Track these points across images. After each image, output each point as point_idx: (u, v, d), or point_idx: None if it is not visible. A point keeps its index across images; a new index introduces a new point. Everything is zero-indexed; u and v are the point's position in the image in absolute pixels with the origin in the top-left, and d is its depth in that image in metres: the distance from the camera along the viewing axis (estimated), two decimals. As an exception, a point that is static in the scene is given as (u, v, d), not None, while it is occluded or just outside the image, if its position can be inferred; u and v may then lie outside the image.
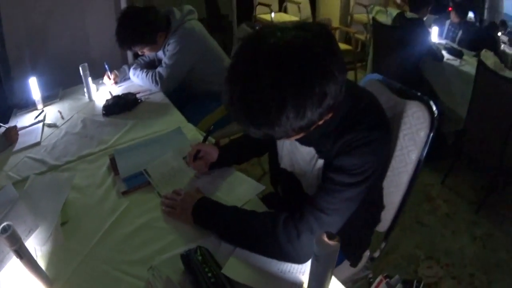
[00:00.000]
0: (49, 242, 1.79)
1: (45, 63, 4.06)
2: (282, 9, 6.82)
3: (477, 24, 6.11)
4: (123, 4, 4.25)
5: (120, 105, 2.85)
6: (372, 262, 2.16)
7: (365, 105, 1.44)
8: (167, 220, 1.78)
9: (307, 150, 1.58)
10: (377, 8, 6.19)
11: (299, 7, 6.33)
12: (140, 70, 3.19)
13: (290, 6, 6.73)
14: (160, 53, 3.22)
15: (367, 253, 2.11)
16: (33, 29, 4.02)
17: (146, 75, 3.10)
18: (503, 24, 5.91)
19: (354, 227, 1.55)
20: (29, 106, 3.39)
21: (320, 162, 1.54)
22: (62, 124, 2.96)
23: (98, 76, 3.55)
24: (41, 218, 1.90)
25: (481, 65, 3.50)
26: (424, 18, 4.79)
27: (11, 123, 3.17)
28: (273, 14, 6.10)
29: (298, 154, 1.65)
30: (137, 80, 3.24)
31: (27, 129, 3.01)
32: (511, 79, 3.15)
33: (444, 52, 4.74)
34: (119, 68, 3.55)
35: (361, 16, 6.48)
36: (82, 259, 1.68)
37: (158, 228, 1.75)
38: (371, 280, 2.08)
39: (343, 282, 1.41)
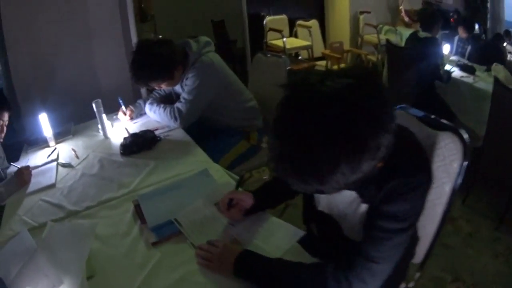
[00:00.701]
0: (76, 300, 1.63)
1: (54, 98, 3.93)
2: (292, 34, 6.71)
3: (483, 36, 6.04)
4: (133, 36, 4.09)
5: (138, 144, 2.72)
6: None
7: (406, 145, 1.39)
8: (205, 273, 1.63)
9: (348, 193, 1.49)
10: (386, 27, 6.18)
11: (309, 31, 6.23)
12: (157, 105, 3.07)
13: (300, 30, 6.66)
14: (177, 87, 3.09)
15: (402, 286, 2.03)
16: (40, 62, 3.92)
17: (164, 111, 2.98)
18: (508, 34, 5.90)
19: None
20: (40, 142, 3.26)
21: (363, 206, 1.47)
22: (78, 164, 2.83)
23: (110, 110, 3.42)
24: (64, 272, 1.73)
25: (496, 82, 3.43)
26: (437, 36, 4.72)
27: (22, 161, 3.07)
28: (285, 39, 5.98)
29: (337, 197, 1.58)
30: (154, 116, 3.12)
31: (40, 168, 2.87)
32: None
33: (456, 69, 4.72)
34: (133, 103, 3.42)
35: (370, 37, 6.38)
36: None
37: (196, 283, 1.61)
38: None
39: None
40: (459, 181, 1.69)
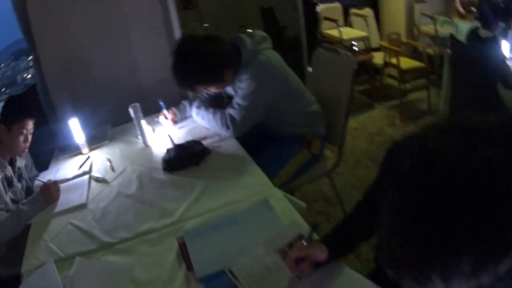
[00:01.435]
0: None
1: (89, 96, 3.56)
2: (347, 23, 6.29)
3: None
4: (175, 25, 3.64)
5: (184, 159, 2.36)
6: None
7: None
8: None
9: None
10: (442, 18, 5.66)
11: (366, 21, 5.85)
12: (205, 109, 2.71)
13: (354, 19, 6.27)
14: (228, 88, 2.64)
15: None
16: (72, 57, 3.51)
17: (214, 117, 2.60)
18: None
19: None
20: (72, 148, 2.93)
21: None
22: (113, 180, 2.46)
23: (152, 111, 3.05)
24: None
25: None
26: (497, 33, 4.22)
27: (51, 170, 2.80)
28: (341, 29, 5.63)
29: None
30: (201, 122, 2.77)
31: (71, 182, 2.54)
32: None
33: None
34: (177, 103, 3.04)
35: (427, 28, 5.94)
36: None
37: None
38: None
39: None
40: None
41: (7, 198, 2.45)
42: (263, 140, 2.82)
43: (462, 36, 5.21)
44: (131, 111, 2.66)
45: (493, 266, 0.79)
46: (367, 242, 1.71)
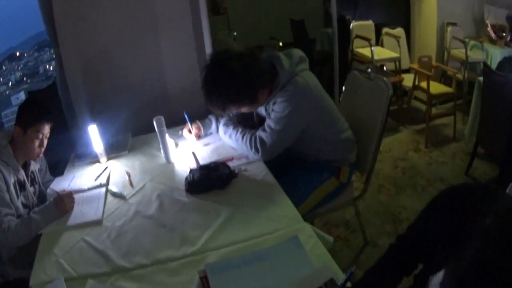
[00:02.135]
0: None
1: (110, 101, 3.44)
2: (379, 42, 6.19)
3: None
4: (205, 31, 3.51)
5: (208, 183, 2.22)
6: None
7: None
8: None
9: None
10: (472, 42, 5.66)
11: (398, 41, 5.73)
12: (234, 128, 2.57)
13: (386, 39, 6.13)
14: (260, 108, 2.57)
15: None
16: (96, 57, 3.39)
17: (243, 138, 2.46)
18: None
19: None
20: (89, 156, 2.81)
21: None
22: (131, 196, 2.33)
23: (174, 121, 2.92)
24: None
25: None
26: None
27: (66, 176, 2.70)
28: (373, 48, 5.51)
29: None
30: (228, 141, 2.64)
31: (86, 194, 2.42)
32: None
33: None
34: (203, 115, 2.93)
35: (457, 51, 5.84)
36: None
37: None
38: None
39: None
40: None
41: (19, 202, 2.36)
42: (290, 164, 2.69)
43: (493, 62, 5.10)
44: (155, 124, 2.53)
45: None
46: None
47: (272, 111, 2.45)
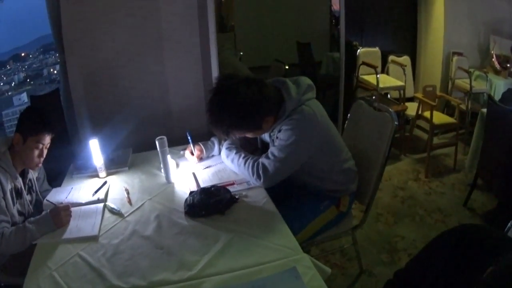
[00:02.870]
0: None
1: (112, 114, 3.42)
2: (384, 70, 6.18)
3: None
4: (213, 50, 3.50)
5: (209, 207, 2.19)
6: None
7: None
8: None
9: None
10: (476, 73, 5.70)
11: (404, 70, 5.70)
12: (237, 153, 2.55)
13: (392, 67, 6.12)
14: (264, 134, 2.57)
15: None
16: (99, 70, 3.38)
17: (246, 163, 2.44)
18: None
19: None
20: (88, 168, 2.77)
21: None
22: (129, 214, 2.30)
23: (176, 140, 2.89)
24: None
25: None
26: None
27: (64, 187, 2.67)
28: (378, 76, 5.47)
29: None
30: (230, 165, 2.61)
31: (83, 208, 2.38)
32: None
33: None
34: (206, 136, 2.92)
35: (461, 82, 5.84)
36: None
37: None
38: None
39: None
40: None
41: (14, 210, 2.34)
42: (291, 191, 2.66)
43: (496, 93, 5.10)
44: (157, 144, 2.51)
45: None
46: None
47: (277, 139, 2.43)
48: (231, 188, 2.41)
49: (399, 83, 5.65)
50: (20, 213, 2.42)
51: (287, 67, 5.48)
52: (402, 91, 5.61)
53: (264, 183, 2.43)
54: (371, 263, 3.35)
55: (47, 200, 2.48)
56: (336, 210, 2.66)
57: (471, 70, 5.62)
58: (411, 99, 5.85)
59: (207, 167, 2.73)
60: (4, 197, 2.26)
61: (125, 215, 2.30)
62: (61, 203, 2.40)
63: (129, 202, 2.42)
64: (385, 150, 2.62)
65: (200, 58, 3.55)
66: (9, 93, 8.46)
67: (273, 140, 2.50)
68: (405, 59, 6.07)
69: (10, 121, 7.54)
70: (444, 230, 1.48)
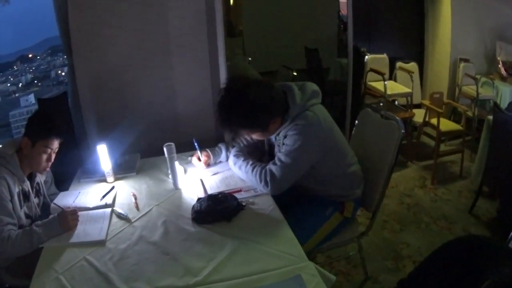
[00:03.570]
0: None
1: (118, 116, 3.44)
2: (392, 76, 6.19)
3: None
4: (221, 55, 3.48)
5: (216, 214, 2.21)
6: None
7: None
8: None
9: None
10: (483, 79, 5.67)
11: (411, 76, 5.70)
12: (244, 160, 2.56)
13: (399, 73, 6.10)
14: (272, 139, 2.59)
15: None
16: (107, 74, 3.41)
17: (253, 170, 2.45)
18: None
19: None
20: (96, 173, 2.79)
21: None
22: (137, 220, 2.32)
23: (182, 146, 2.87)
24: None
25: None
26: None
27: (72, 191, 2.68)
28: (386, 83, 5.46)
29: None
30: (238, 172, 2.62)
31: (90, 213, 2.39)
32: None
33: None
34: (213, 143, 2.92)
35: (468, 88, 5.84)
36: None
37: None
38: None
39: None
40: None
41: (22, 212, 2.35)
42: (295, 199, 2.67)
43: (502, 100, 5.08)
44: (165, 150, 2.52)
45: None
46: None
47: (283, 145, 2.45)
48: (238, 195, 2.42)
49: (407, 90, 5.64)
50: (27, 216, 2.43)
51: (295, 73, 5.48)
52: (409, 98, 5.59)
53: (272, 190, 2.44)
54: (376, 270, 3.35)
55: (55, 204, 2.49)
56: (340, 216, 2.66)
57: (478, 76, 5.60)
58: (418, 106, 5.82)
59: (214, 174, 2.73)
60: (12, 200, 2.28)
61: (133, 220, 2.31)
62: (69, 207, 2.41)
63: (137, 207, 2.44)
64: (392, 158, 2.62)
65: (208, 63, 3.56)
66: (16, 94, 8.48)
67: (278, 145, 2.54)
68: (413, 66, 6.05)
69: (17, 122, 7.56)
70: (446, 242, 1.48)
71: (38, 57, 9.10)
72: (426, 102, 5.12)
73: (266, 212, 2.30)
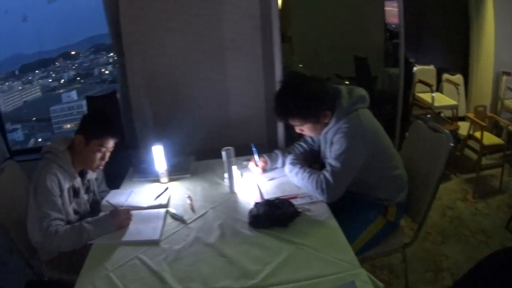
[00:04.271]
0: None
1: (170, 118, 3.47)
2: (439, 88, 6.17)
3: None
4: (277, 61, 3.48)
5: (274, 218, 2.21)
6: None
7: None
8: None
9: None
10: None
11: (457, 89, 5.71)
12: (301, 167, 2.59)
13: (445, 85, 6.07)
14: (322, 144, 2.69)
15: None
16: (160, 75, 3.46)
17: (309, 178, 2.47)
18: None
19: None
20: (149, 173, 2.84)
21: None
22: (192, 221, 2.35)
23: (236, 151, 2.84)
24: None
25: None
26: None
27: (124, 190, 2.74)
28: (434, 94, 5.45)
29: None
30: (294, 179, 2.63)
31: (144, 212, 2.43)
32: None
33: None
34: (268, 148, 3.01)
35: (510, 102, 5.79)
36: None
37: None
38: None
39: None
40: None
41: (70, 208, 2.40)
42: (338, 202, 2.68)
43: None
44: (224, 154, 2.58)
45: None
46: None
47: (333, 149, 2.52)
48: (294, 202, 2.43)
49: (453, 102, 5.62)
50: (75, 212, 2.47)
51: (347, 82, 5.48)
52: (455, 110, 5.55)
53: (328, 197, 2.47)
54: (416, 281, 3.35)
55: (107, 201, 2.54)
56: (384, 219, 2.66)
57: (521, 89, 5.52)
58: (462, 118, 5.78)
59: (271, 179, 2.75)
60: (61, 195, 2.33)
61: (188, 222, 2.35)
62: (121, 205, 2.45)
63: (192, 209, 2.47)
64: (440, 170, 2.63)
65: (262, 69, 3.57)
66: (58, 91, 8.60)
67: (325, 142, 2.64)
68: (458, 78, 6.01)
69: (57, 117, 7.66)
70: (489, 253, 1.49)
71: (81, 55, 9.23)
72: (471, 115, 5.08)
73: (321, 219, 2.31)
